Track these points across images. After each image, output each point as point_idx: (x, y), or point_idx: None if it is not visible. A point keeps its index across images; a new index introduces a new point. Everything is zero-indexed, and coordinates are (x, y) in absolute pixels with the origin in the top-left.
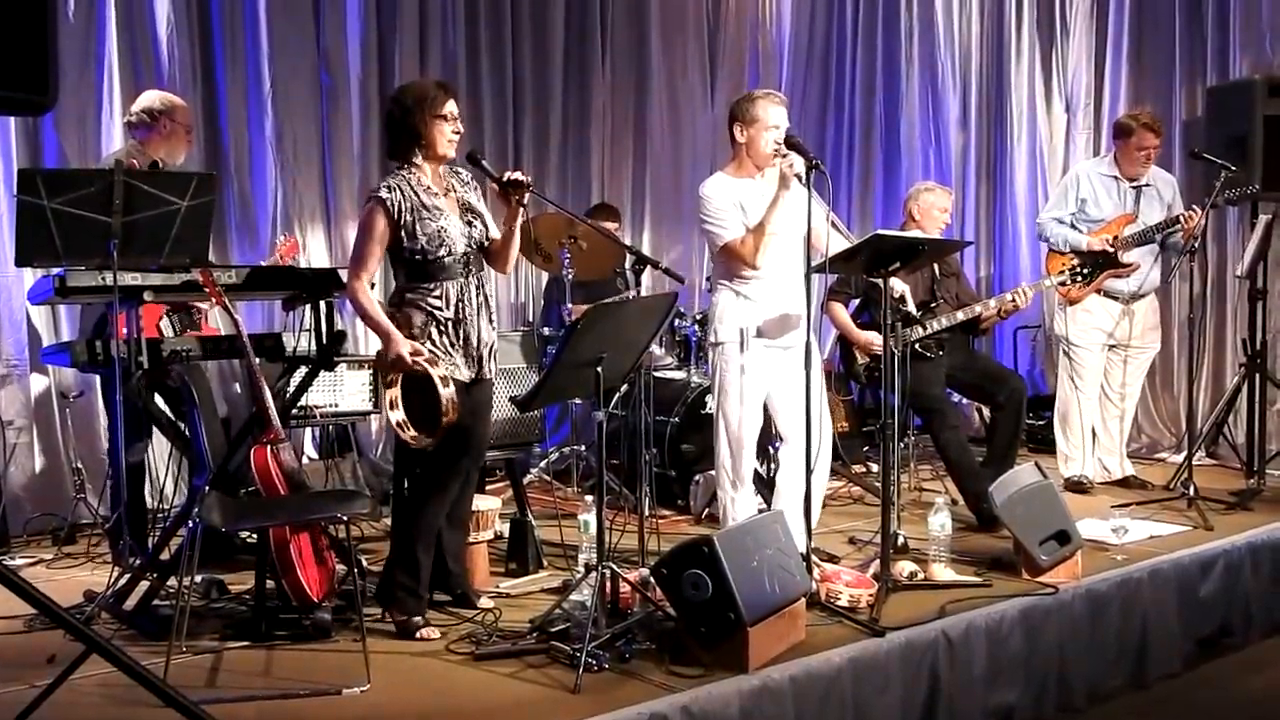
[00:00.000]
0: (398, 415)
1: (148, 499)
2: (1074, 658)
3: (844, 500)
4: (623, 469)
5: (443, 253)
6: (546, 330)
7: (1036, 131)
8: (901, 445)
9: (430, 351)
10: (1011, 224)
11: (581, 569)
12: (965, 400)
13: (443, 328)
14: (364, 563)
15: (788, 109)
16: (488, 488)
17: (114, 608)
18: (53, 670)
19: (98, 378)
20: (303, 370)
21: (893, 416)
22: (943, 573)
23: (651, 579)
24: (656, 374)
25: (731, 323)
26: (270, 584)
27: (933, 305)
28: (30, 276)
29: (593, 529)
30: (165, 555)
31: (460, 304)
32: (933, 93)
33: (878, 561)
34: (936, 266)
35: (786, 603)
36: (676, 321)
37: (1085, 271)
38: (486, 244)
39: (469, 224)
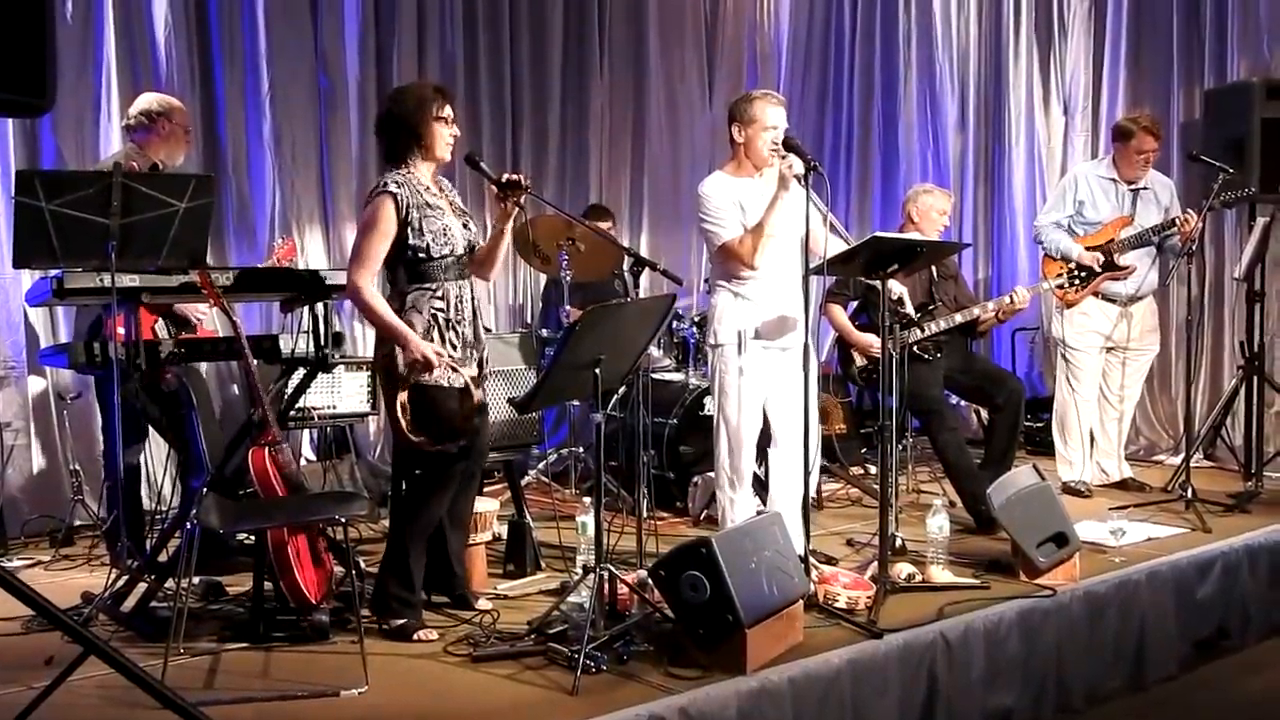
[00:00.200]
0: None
1: (145, 501)
2: (1072, 660)
3: (842, 502)
4: (621, 471)
5: (446, 251)
6: (545, 332)
7: (1034, 134)
8: (899, 447)
9: (449, 356)
10: (1009, 226)
11: (580, 571)
12: (963, 402)
13: (445, 331)
14: (362, 564)
15: (786, 110)
16: (486, 489)
17: (112, 609)
18: (50, 672)
19: (94, 379)
20: (300, 372)
21: (891, 418)
22: (941, 575)
23: (650, 580)
24: (655, 376)
25: (730, 324)
26: (268, 585)
27: (931, 307)
28: (28, 278)
29: (591, 531)
30: (163, 557)
31: (460, 306)
32: (931, 95)
33: (876, 563)
34: (935, 269)
35: (785, 604)
36: (675, 323)
37: (1082, 275)
38: (474, 248)
39: (465, 226)
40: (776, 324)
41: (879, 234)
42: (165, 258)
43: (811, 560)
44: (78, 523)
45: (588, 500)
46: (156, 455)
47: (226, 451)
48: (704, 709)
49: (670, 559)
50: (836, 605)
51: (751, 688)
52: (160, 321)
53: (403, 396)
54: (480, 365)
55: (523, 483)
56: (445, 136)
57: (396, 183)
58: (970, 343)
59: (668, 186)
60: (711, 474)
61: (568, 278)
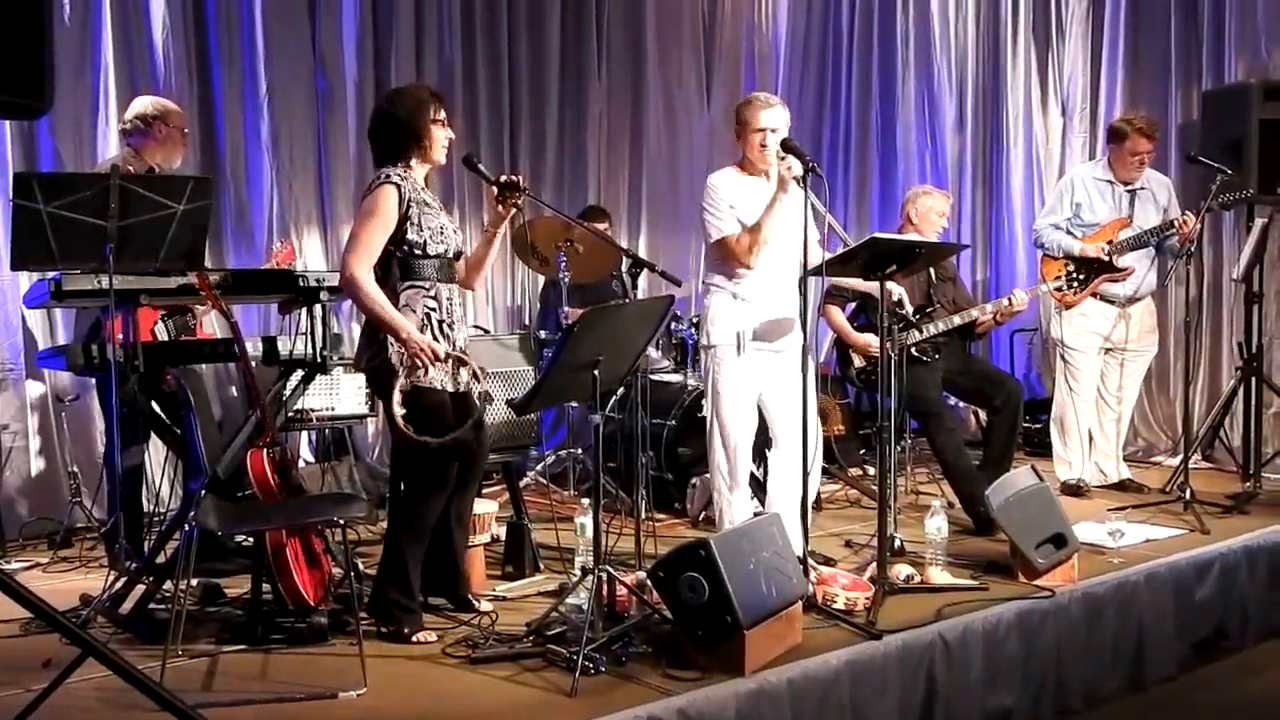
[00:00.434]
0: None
1: (144, 503)
2: (1071, 661)
3: (841, 503)
4: (619, 472)
5: (442, 250)
6: (543, 333)
7: (1032, 135)
8: (898, 448)
9: (447, 353)
10: (1008, 228)
11: (578, 572)
12: (962, 404)
13: (438, 332)
14: (360, 566)
15: (784, 110)
16: (484, 491)
17: (110, 611)
18: (49, 674)
19: (93, 381)
20: (299, 374)
21: (889, 420)
22: (939, 576)
23: (648, 582)
24: (653, 377)
25: (723, 325)
26: (266, 587)
27: (929, 309)
28: (26, 280)
29: (589, 532)
30: (161, 559)
31: (450, 309)
32: (929, 96)
33: (874, 564)
34: (933, 270)
35: (783, 605)
36: (673, 324)
37: (1081, 276)
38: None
39: (455, 230)
40: (770, 325)
41: (877, 235)
42: (163, 260)
43: (810, 561)
44: (76, 525)
45: (586, 502)
46: (155, 457)
47: (225, 453)
48: (703, 710)
49: (669, 560)
50: (835, 606)
51: (750, 689)
52: (160, 325)
53: (398, 396)
54: (474, 374)
55: (521, 484)
56: (441, 139)
57: (400, 175)
58: (969, 344)
59: (666, 188)
60: (709, 475)
61: (566, 279)
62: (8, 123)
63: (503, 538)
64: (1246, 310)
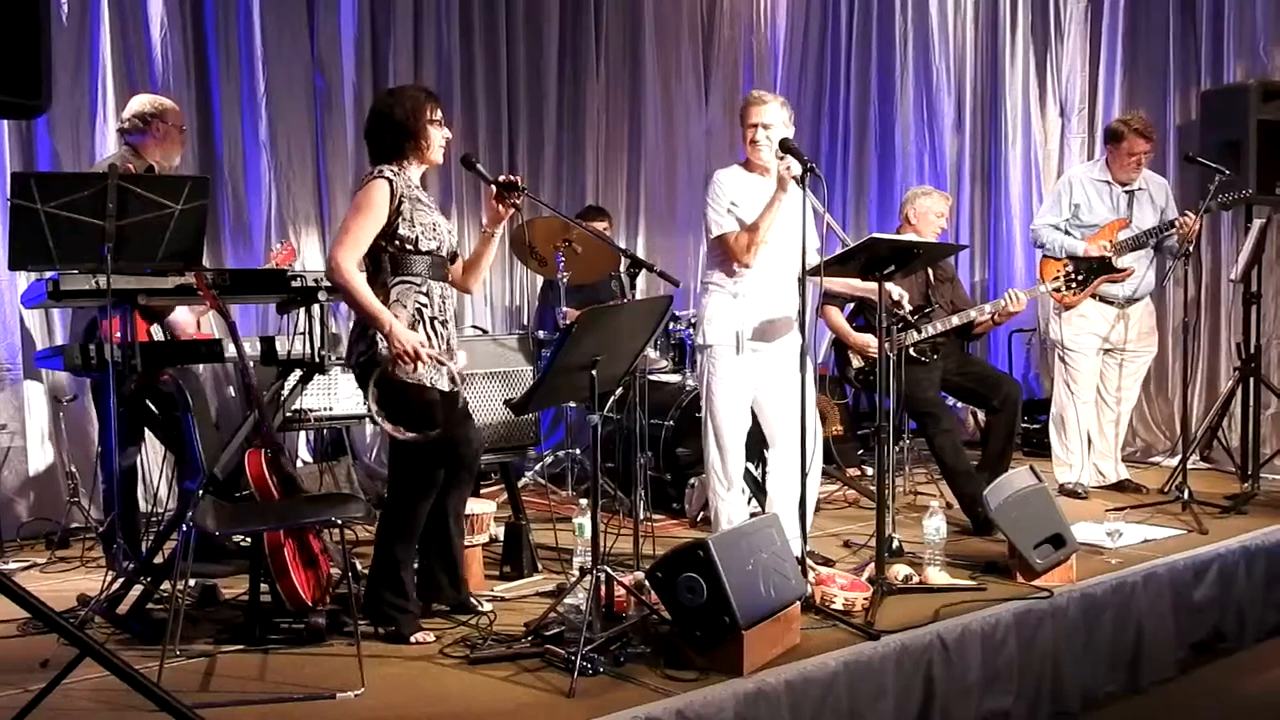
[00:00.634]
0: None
1: (141, 503)
2: (1069, 662)
3: (839, 504)
4: (618, 473)
5: (434, 246)
6: (542, 334)
7: (1031, 136)
8: (896, 449)
9: (429, 352)
10: (1006, 228)
11: (576, 573)
12: (960, 404)
13: (429, 328)
14: (358, 566)
15: (783, 108)
16: (483, 491)
17: (108, 612)
18: (46, 675)
19: (90, 381)
20: (297, 374)
21: (888, 420)
22: (937, 576)
23: (646, 582)
24: (651, 377)
25: (719, 325)
26: (264, 588)
27: (928, 310)
28: (24, 280)
29: (588, 532)
30: (159, 559)
31: (443, 307)
32: (927, 97)
33: (873, 565)
34: (931, 271)
35: (781, 606)
36: (671, 325)
37: (1079, 277)
38: (455, 256)
39: (450, 230)
40: (767, 325)
41: (876, 235)
42: (161, 259)
43: (808, 562)
44: (74, 525)
45: (584, 502)
46: (152, 458)
47: (223, 453)
48: (701, 711)
49: (667, 561)
50: (833, 607)
51: (748, 690)
52: (156, 325)
53: (375, 392)
54: (453, 378)
55: (519, 485)
56: (438, 139)
57: (393, 171)
58: (967, 344)
59: (664, 188)
60: None
61: (564, 279)
62: (5, 122)
63: (501, 538)
64: (1245, 311)
